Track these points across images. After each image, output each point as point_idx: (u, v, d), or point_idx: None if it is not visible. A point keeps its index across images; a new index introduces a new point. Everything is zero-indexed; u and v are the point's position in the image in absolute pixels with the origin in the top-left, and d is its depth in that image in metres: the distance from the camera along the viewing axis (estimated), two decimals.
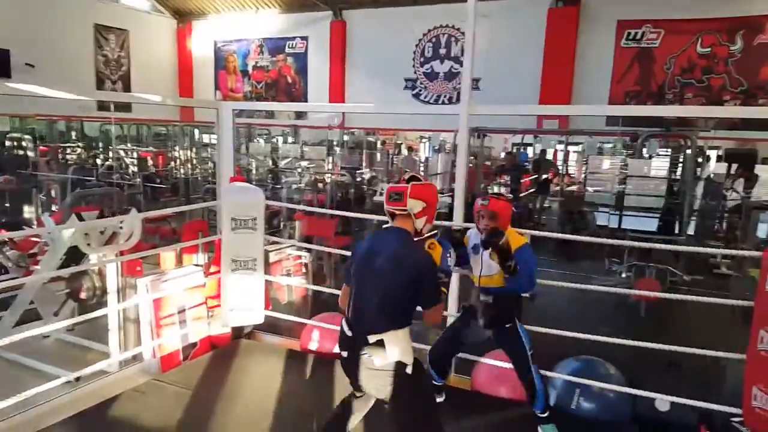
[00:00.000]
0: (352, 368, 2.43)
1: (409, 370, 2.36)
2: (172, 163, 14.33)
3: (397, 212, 2.42)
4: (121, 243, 4.13)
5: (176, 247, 4.73)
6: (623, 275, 8.05)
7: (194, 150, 14.36)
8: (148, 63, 16.57)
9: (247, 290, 3.84)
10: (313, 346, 4.23)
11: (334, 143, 12.97)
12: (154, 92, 15.41)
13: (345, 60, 14.66)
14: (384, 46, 13.97)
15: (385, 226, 2.53)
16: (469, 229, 3.23)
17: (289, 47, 15.72)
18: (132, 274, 4.42)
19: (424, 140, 17.13)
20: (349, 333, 2.43)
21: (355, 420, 2.66)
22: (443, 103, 13.23)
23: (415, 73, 13.62)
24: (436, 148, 14.14)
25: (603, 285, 4.32)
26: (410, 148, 14.79)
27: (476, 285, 3.09)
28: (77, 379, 3.99)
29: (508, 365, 3.61)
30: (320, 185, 9.35)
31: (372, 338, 2.33)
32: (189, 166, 13.92)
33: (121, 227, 4.08)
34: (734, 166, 8.29)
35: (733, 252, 4.83)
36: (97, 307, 4.17)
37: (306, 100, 14.79)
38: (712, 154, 10.13)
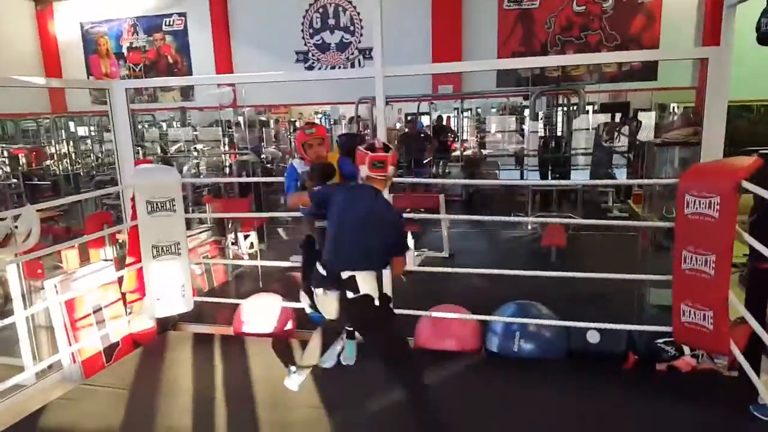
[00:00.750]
0: (328, 302, 2.74)
1: (376, 302, 2.66)
2: (48, 161, 13.02)
3: (379, 178, 2.76)
4: (19, 243, 3.68)
5: (80, 241, 4.28)
6: (529, 227, 8.53)
7: (71, 143, 13.14)
8: (7, 52, 14.71)
9: (172, 277, 3.58)
10: (247, 328, 4.06)
11: (226, 123, 12.41)
12: (21, 91, 13.82)
13: (230, 35, 13.93)
14: (270, 18, 13.42)
15: (354, 183, 2.89)
16: None
17: (166, 25, 14.62)
18: (33, 277, 3.98)
19: (319, 115, 16.82)
20: (323, 272, 2.70)
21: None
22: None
23: (305, 45, 13.23)
24: (335, 120, 13.95)
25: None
26: (311, 123, 14.46)
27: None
28: None
29: (453, 315, 3.72)
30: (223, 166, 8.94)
31: (345, 275, 2.63)
32: (67, 161, 12.74)
33: (15, 226, 3.63)
34: (617, 116, 9.00)
35: (651, 181, 4.86)
36: None
37: None
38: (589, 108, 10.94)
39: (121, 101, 4.38)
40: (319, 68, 13.06)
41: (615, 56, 7.51)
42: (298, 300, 4.19)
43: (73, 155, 12.92)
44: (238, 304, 4.21)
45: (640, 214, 8.89)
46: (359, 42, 12.85)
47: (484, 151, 11.50)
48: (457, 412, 2.87)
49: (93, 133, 13.92)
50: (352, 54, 12.94)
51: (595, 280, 3.45)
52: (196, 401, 3.17)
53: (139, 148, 11.68)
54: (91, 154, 13.37)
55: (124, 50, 15.06)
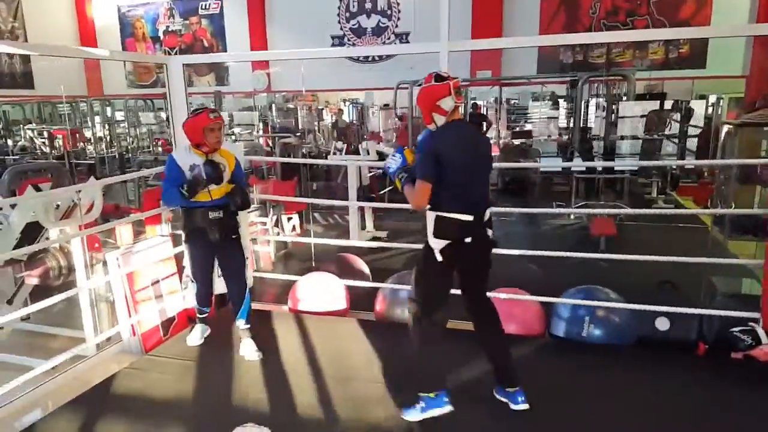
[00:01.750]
0: (477, 251, 2.56)
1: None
2: (81, 144, 13.19)
3: (459, 105, 2.54)
4: (81, 216, 3.70)
5: (143, 216, 4.29)
6: (571, 216, 8.36)
7: (107, 126, 13.30)
8: (46, 33, 14.95)
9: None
10: (303, 306, 4.03)
11: (262, 108, 12.41)
12: (55, 66, 14.00)
13: (265, 19, 13.93)
14: (306, 2, 13.39)
15: (451, 122, 2.54)
16: None
17: (202, 8, 14.71)
18: (93, 251, 4.01)
19: (347, 103, 16.70)
20: (469, 218, 2.48)
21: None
22: (373, 60, 12.93)
23: (341, 29, 13.18)
24: (375, 106, 13.81)
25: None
26: (340, 110, 14.42)
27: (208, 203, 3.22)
28: (54, 368, 3.61)
29: (517, 296, 3.63)
30: (267, 148, 8.96)
31: (486, 215, 2.55)
32: (103, 143, 12.90)
33: (79, 199, 3.64)
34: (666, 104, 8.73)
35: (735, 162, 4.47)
36: (60, 290, 3.75)
37: (227, 65, 13.97)
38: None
39: (178, 77, 4.35)
40: (359, 57, 12.95)
41: (671, 33, 7.14)
42: (351, 278, 4.18)
43: (108, 138, 13.09)
44: (294, 282, 4.18)
45: (685, 206, 8.69)
46: (396, 26, 12.74)
47: (516, 141, 11.23)
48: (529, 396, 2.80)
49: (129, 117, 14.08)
50: (389, 39, 12.83)
51: (658, 268, 3.33)
52: (264, 374, 3.15)
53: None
54: (128, 137, 13.53)
55: (161, 34, 15.19)
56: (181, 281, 4.16)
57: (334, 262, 4.63)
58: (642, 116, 7.82)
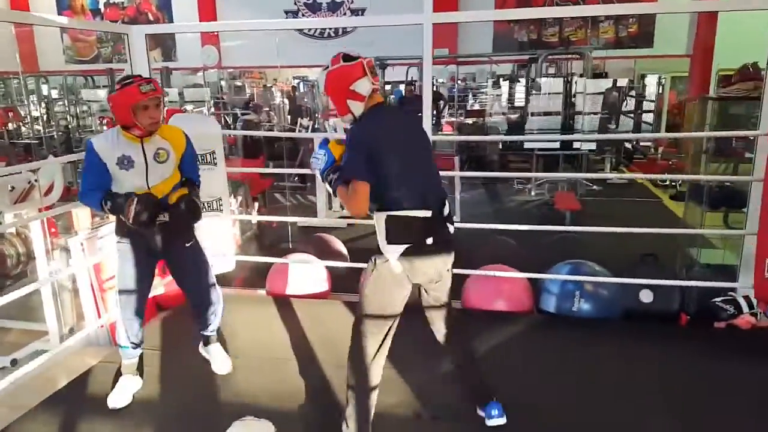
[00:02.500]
0: (442, 253, 2.15)
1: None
2: (14, 123, 12.26)
3: (377, 87, 2.15)
4: (38, 198, 3.38)
5: None
6: (532, 193, 8.49)
7: (44, 105, 12.41)
8: None
9: (215, 234, 3.34)
10: (283, 289, 3.86)
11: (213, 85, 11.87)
12: None
13: None
14: None
15: (372, 107, 2.14)
16: None
17: None
18: (50, 237, 3.69)
19: (296, 81, 16.28)
20: (427, 213, 2.06)
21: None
22: (328, 36, 12.61)
23: (295, 3, 12.75)
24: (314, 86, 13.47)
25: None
26: (293, 87, 14.02)
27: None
28: (13, 362, 3.34)
29: (505, 274, 3.58)
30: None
31: (446, 209, 2.14)
32: (40, 122, 12.04)
33: (36, 180, 3.32)
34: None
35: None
36: (16, 279, 3.44)
37: (174, 40, 13.28)
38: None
39: (141, 49, 4.04)
40: (310, 29, 12.59)
41: (623, 8, 7.24)
42: (330, 259, 4.05)
43: (45, 117, 12.24)
44: (270, 265, 4.01)
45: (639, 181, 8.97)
46: (351, 2, 12.44)
47: (469, 120, 11.22)
48: (521, 373, 2.81)
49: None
50: (343, 14, 12.52)
51: (633, 241, 3.37)
52: (255, 363, 2.98)
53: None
54: (67, 116, 12.69)
55: (101, 6, 14.25)
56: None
57: (311, 243, 4.47)
58: (599, 93, 7.96)
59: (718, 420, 2.45)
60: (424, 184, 2.11)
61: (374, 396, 2.21)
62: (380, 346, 2.16)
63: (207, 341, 2.94)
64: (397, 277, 2.08)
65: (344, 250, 4.46)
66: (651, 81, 10.00)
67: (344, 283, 4.03)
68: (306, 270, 3.87)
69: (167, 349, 3.17)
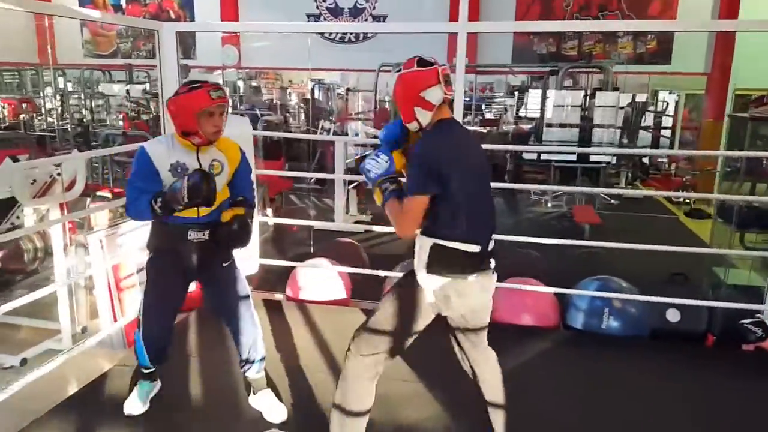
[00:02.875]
0: (481, 291, 1.98)
1: None
2: (27, 115, 12.28)
3: (450, 97, 1.98)
4: (60, 193, 3.34)
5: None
6: (548, 204, 8.41)
7: (60, 97, 12.44)
8: None
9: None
10: (304, 294, 3.80)
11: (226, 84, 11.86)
12: (3, 39, 12.98)
13: None
14: None
15: (440, 120, 1.97)
16: None
17: None
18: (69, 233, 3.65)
19: (312, 83, 16.24)
20: (476, 249, 1.91)
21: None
22: (350, 41, 12.60)
23: (317, 8, 12.72)
24: (341, 88, 13.49)
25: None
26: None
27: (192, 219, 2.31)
28: (23, 362, 3.28)
29: (531, 288, 3.51)
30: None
31: (492, 244, 2.00)
32: (54, 115, 12.07)
33: (59, 174, 3.28)
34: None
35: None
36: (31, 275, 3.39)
37: (194, 38, 13.29)
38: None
39: (171, 46, 4.00)
40: (331, 34, 12.58)
41: (644, 24, 7.18)
42: (350, 265, 3.98)
43: (60, 109, 12.27)
44: (292, 269, 3.95)
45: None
46: (373, 8, 12.42)
47: (483, 129, 11.14)
48: (551, 390, 2.72)
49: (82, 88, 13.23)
50: (365, 20, 12.50)
51: (656, 257, 3.28)
52: (276, 371, 2.89)
53: (135, 105, 11.16)
54: (82, 110, 12.71)
55: (123, 2, 14.28)
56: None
57: (332, 248, 4.41)
58: (621, 107, 7.90)
59: None
60: (481, 214, 1.98)
61: (364, 422, 2.05)
62: (380, 364, 2.01)
63: (255, 388, 2.59)
64: (425, 307, 1.97)
65: (365, 256, 4.40)
66: (667, 98, 9.94)
67: (363, 290, 3.97)
68: (327, 276, 3.81)
69: (185, 353, 3.10)
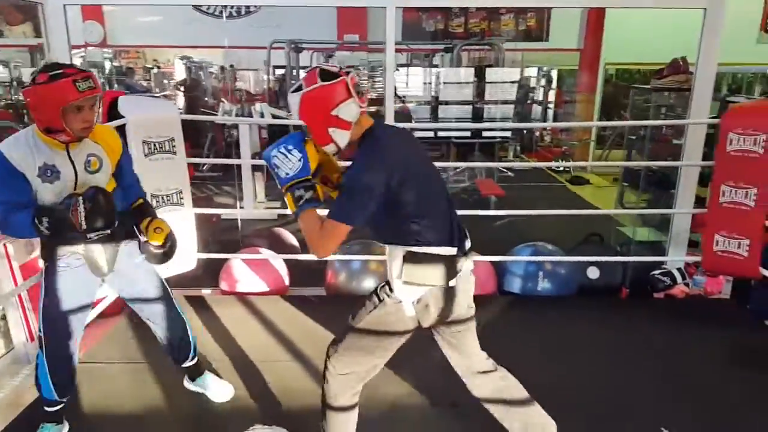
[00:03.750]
0: (462, 296, 1.84)
1: None
2: None
3: (365, 108, 1.78)
4: None
5: None
6: (452, 179, 8.73)
7: None
8: None
9: (176, 231, 3.02)
10: (242, 287, 3.63)
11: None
12: None
13: None
14: None
15: (365, 133, 1.78)
16: None
17: None
18: None
19: (184, 61, 15.23)
20: (452, 251, 1.77)
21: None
22: (230, 15, 11.96)
23: None
24: (215, 66, 12.83)
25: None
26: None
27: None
28: None
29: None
30: None
31: (468, 242, 1.86)
32: None
33: None
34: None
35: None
36: None
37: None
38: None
39: (59, 22, 3.59)
40: (209, 8, 11.87)
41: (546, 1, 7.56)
42: (284, 253, 3.88)
43: None
44: (224, 261, 3.76)
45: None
46: None
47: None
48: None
49: None
50: None
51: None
52: (238, 368, 2.76)
53: None
54: None
55: None
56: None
57: (265, 237, 4.25)
58: (513, 82, 8.32)
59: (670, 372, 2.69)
60: (447, 213, 1.82)
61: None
62: (360, 381, 1.90)
63: (193, 373, 2.49)
64: (405, 319, 1.81)
65: (296, 243, 4.29)
66: (551, 74, 10.70)
67: (301, 278, 3.89)
68: (263, 265, 3.67)
69: (141, 359, 2.86)
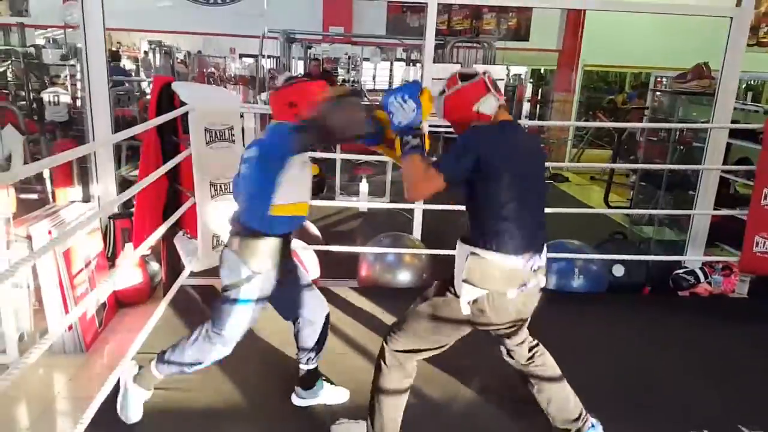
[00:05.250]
0: (524, 304, 1.91)
1: None
2: None
3: (503, 102, 1.92)
4: None
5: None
6: None
7: None
8: None
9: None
10: None
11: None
12: None
13: None
14: None
15: (504, 119, 1.92)
16: None
17: None
18: None
19: (152, 46, 14.78)
20: (521, 263, 1.82)
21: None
22: (215, 2, 11.64)
23: None
24: (182, 51, 12.54)
25: None
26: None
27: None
28: None
29: None
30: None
31: (544, 256, 1.93)
32: None
33: None
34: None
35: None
36: None
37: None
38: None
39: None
40: None
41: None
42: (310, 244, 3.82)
43: None
44: None
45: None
46: None
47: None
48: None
49: None
50: None
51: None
52: (281, 363, 2.71)
53: None
54: None
55: None
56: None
57: None
58: (502, 79, 8.42)
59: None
60: (533, 224, 1.86)
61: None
62: (411, 362, 1.99)
63: (310, 381, 2.37)
64: (461, 317, 1.88)
65: (319, 234, 4.24)
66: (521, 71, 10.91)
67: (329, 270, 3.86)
68: (295, 257, 3.60)
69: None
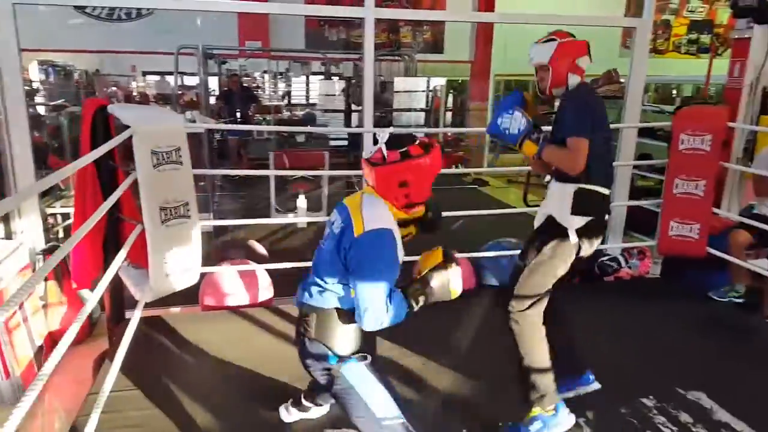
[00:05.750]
0: (604, 229, 2.35)
1: None
2: None
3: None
4: None
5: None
6: None
7: None
8: None
9: (184, 245, 2.86)
10: (228, 301, 3.50)
11: None
12: None
13: None
14: None
15: (583, 83, 2.31)
16: None
17: None
18: None
19: (44, 66, 13.84)
20: (608, 192, 2.27)
21: None
22: (119, 17, 11.16)
23: None
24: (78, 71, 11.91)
25: None
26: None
27: None
28: None
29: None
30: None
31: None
32: None
33: None
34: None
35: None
36: None
37: None
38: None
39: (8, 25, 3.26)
40: (96, 10, 11.01)
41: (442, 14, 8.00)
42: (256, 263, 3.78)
43: None
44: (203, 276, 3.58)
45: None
46: None
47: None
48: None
49: None
50: None
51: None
52: (253, 388, 2.70)
53: None
54: None
55: None
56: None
57: (241, 248, 4.11)
58: (424, 91, 8.73)
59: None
60: (611, 164, 2.41)
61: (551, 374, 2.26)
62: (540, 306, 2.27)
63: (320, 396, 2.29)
64: (571, 250, 2.20)
65: (266, 253, 4.22)
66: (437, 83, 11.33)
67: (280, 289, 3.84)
68: (247, 278, 3.58)
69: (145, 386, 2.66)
